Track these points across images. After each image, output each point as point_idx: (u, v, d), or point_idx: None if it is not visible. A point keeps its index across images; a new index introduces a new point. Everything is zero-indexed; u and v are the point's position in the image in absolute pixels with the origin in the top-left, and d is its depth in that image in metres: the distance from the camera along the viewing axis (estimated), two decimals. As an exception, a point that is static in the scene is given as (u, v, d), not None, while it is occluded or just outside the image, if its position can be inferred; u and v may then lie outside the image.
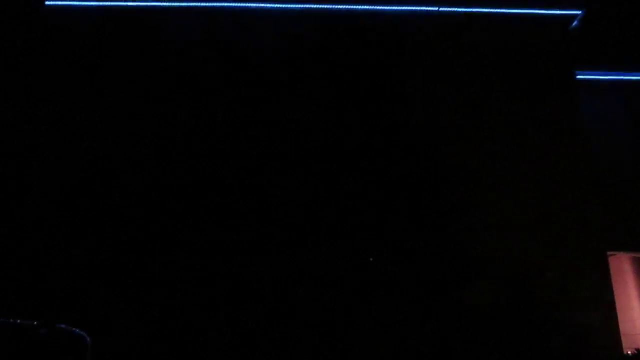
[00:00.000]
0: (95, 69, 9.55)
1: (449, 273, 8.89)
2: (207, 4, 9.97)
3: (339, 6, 10.13)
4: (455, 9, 10.27)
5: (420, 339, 8.52)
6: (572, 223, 9.35)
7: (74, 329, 2.98)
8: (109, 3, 9.88)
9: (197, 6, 9.99)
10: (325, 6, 10.13)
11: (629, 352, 8.93)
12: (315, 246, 9.03)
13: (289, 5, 10.09)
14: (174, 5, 9.95)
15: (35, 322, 2.90)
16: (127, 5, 9.88)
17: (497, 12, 10.33)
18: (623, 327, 9.09)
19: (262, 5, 10.09)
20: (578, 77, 10.40)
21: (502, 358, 8.43)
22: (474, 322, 8.61)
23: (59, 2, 9.83)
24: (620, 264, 10.37)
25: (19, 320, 3.00)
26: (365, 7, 10.16)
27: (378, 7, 10.20)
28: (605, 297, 9.04)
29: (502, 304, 8.76)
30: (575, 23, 10.34)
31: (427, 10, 10.24)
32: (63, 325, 2.99)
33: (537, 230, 9.25)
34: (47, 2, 9.73)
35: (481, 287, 8.81)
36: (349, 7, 10.13)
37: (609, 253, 9.51)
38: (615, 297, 9.10)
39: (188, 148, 9.26)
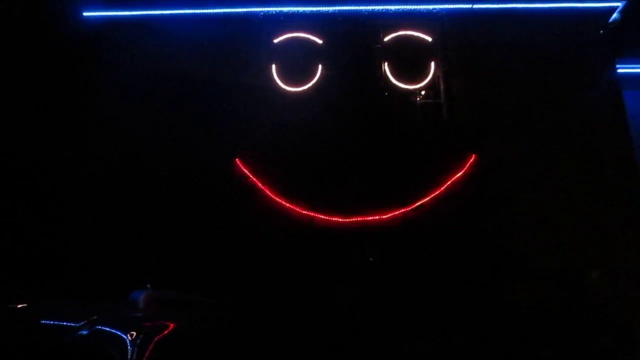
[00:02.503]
0: (133, 77, 9.75)
1: (494, 272, 8.76)
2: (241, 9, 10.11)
3: (371, 7, 10.09)
4: (490, 6, 10.10)
5: (463, 338, 8.41)
6: (617, 221, 9.09)
7: (114, 330, 3.00)
8: (147, 12, 10.05)
9: (238, 12, 10.11)
10: (356, 7, 10.07)
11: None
12: (354, 247, 9.08)
13: (321, 8, 10.10)
14: (215, 13, 10.06)
15: (79, 324, 2.93)
16: (166, 14, 10.02)
17: (533, 8, 10.10)
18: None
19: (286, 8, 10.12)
20: (619, 70, 10.11)
21: (547, 357, 8.26)
22: (518, 321, 8.46)
23: (98, 13, 10.06)
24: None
25: (61, 323, 3.06)
26: (397, 6, 10.08)
27: (410, 7, 10.11)
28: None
29: (546, 303, 8.59)
30: (615, 15, 10.06)
31: (460, 8, 10.11)
32: (105, 327, 3.00)
33: (582, 228, 9.02)
34: (84, 13, 9.98)
35: (525, 287, 8.66)
36: (381, 7, 10.08)
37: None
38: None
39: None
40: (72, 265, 8.46)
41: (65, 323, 3.04)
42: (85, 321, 2.96)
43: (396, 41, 10.12)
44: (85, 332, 2.87)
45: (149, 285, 4.05)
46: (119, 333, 2.96)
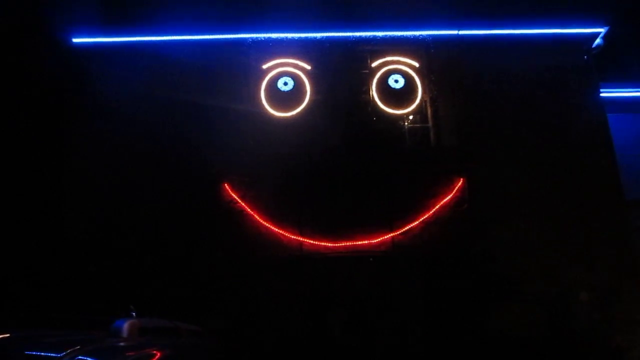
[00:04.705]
0: (121, 102, 9.74)
1: (482, 295, 8.74)
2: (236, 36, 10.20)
3: (359, 33, 10.21)
4: (475, 32, 10.26)
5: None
6: (604, 244, 9.15)
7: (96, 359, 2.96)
8: (136, 39, 10.10)
9: (226, 39, 10.19)
10: (343, 34, 10.20)
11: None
12: (342, 265, 9.06)
13: (309, 35, 10.22)
14: (204, 39, 10.13)
15: (61, 354, 2.90)
16: (155, 41, 10.06)
17: (518, 34, 10.26)
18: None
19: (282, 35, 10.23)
20: (603, 94, 10.27)
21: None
22: (507, 345, 8.41)
23: (87, 40, 10.09)
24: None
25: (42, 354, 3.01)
26: (384, 32, 10.21)
27: (397, 33, 10.24)
28: (642, 318, 8.80)
29: (535, 326, 8.56)
30: (598, 41, 10.24)
31: (447, 34, 10.25)
32: (87, 358, 2.96)
33: (569, 251, 9.08)
34: (74, 40, 10.01)
35: (514, 310, 8.65)
36: (369, 33, 10.21)
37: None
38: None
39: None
40: (55, 291, 8.35)
41: (48, 354, 3.00)
42: (68, 351, 2.92)
43: (384, 66, 10.22)
44: (66, 364, 2.83)
45: (133, 313, 4.00)
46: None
